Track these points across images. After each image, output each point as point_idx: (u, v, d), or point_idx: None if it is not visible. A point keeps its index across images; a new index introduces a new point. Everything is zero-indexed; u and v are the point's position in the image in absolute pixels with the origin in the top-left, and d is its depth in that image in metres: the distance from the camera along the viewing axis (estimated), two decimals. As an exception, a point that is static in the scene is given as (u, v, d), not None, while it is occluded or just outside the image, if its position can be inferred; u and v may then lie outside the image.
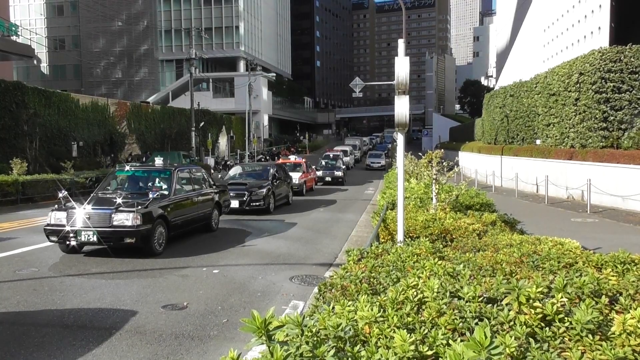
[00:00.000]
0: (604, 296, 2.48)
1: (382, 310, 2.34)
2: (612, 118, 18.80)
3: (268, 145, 62.81)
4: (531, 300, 2.30)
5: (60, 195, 9.60)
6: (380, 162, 42.99)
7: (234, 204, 14.59)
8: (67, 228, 8.71)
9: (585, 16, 39.01)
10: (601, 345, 2.00)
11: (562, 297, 2.37)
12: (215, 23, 72.40)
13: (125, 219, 8.70)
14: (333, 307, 2.40)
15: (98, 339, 5.13)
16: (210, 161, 39.40)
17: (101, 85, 72.07)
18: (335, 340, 2.05)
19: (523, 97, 26.50)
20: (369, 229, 11.23)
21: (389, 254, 4.16)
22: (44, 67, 74.58)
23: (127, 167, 11.38)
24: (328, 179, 28.52)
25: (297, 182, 21.10)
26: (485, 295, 2.59)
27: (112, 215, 8.73)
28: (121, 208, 8.83)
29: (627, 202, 16.77)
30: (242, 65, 71.31)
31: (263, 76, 62.75)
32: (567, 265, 3.81)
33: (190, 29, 52.40)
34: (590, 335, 2.07)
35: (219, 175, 28.85)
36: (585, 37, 38.98)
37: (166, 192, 10.11)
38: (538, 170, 22.78)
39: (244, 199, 15.23)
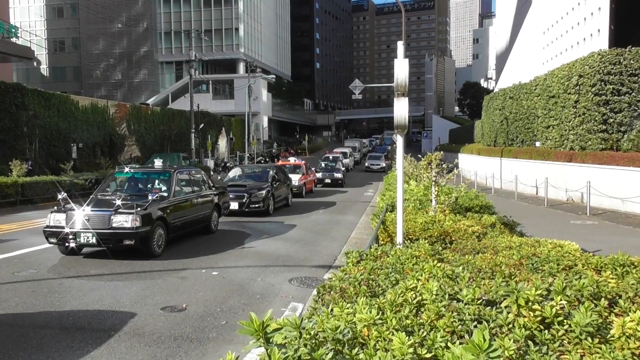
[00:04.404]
0: (603, 299, 2.48)
1: (380, 312, 2.33)
2: (611, 120, 18.82)
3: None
4: (530, 303, 2.29)
5: (59, 197, 9.59)
6: (379, 164, 42.98)
7: (234, 205, 14.59)
8: (67, 230, 8.70)
9: (585, 18, 39.06)
10: (600, 349, 1.99)
11: (561, 300, 2.37)
12: (215, 25, 72.49)
13: (124, 220, 8.69)
14: (331, 310, 2.39)
15: (97, 341, 5.11)
16: (210, 163, 39.38)
17: (101, 87, 72.13)
18: (334, 342, 2.05)
19: (522, 99, 26.51)
20: (369, 231, 11.22)
21: (388, 256, 4.14)
22: (44, 68, 74.61)
23: (127, 169, 11.38)
24: (327, 180, 28.54)
25: (296, 183, 21.13)
26: (484, 298, 2.58)
27: (111, 217, 8.72)
28: (120, 210, 8.82)
29: (627, 204, 16.78)
30: (241, 67, 71.43)
31: (263, 78, 62.81)
32: (567, 267, 3.81)
33: (190, 30, 52.43)
34: (589, 338, 2.06)
35: (219, 177, 28.84)
36: (584, 39, 39.03)
37: (165, 194, 10.10)
38: (537, 172, 22.78)
39: (244, 200, 15.23)
